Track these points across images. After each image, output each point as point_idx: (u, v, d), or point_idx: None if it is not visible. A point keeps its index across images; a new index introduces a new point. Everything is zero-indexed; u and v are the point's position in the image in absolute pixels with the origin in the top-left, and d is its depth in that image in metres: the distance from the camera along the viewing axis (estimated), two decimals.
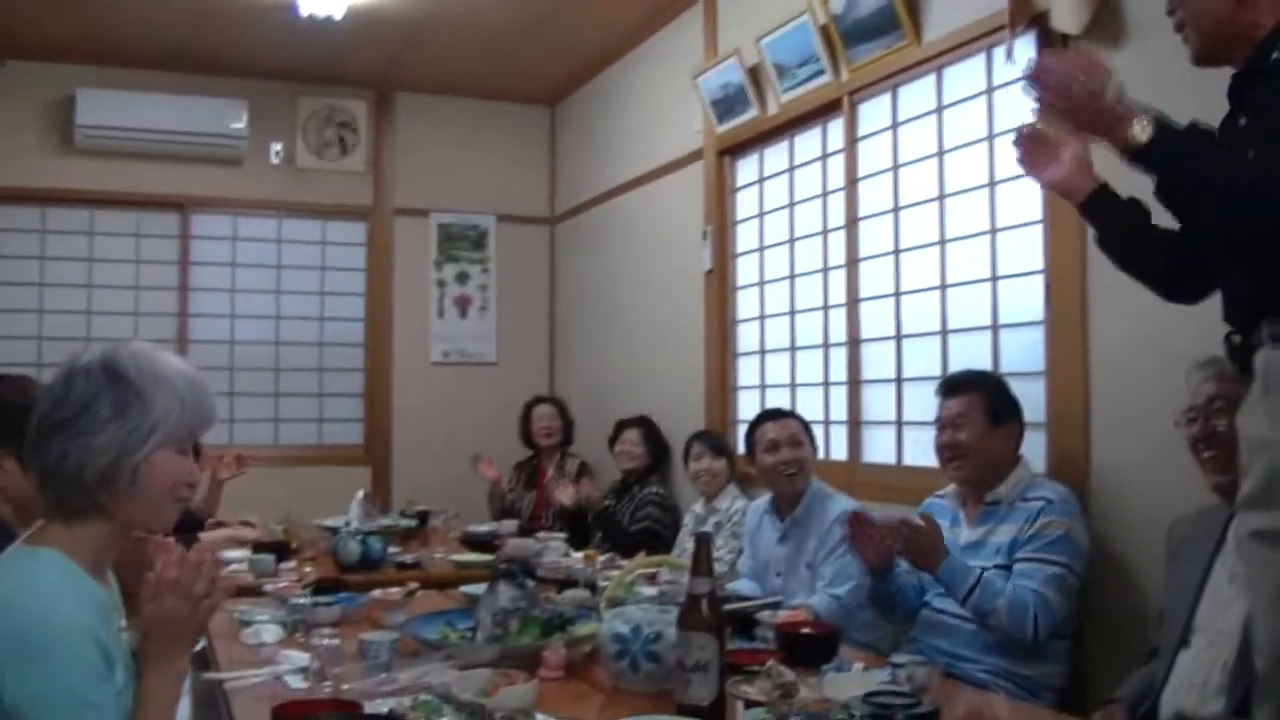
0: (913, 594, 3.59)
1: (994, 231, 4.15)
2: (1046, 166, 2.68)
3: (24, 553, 1.94)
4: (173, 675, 1.96)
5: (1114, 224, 2.60)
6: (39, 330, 7.17)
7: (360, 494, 5.09)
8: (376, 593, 3.72)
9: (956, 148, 4.38)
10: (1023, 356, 3.98)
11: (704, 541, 2.48)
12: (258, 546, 4.71)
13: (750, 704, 2.43)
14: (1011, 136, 2.69)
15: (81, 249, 7.39)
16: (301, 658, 2.91)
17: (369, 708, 2.37)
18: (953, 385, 3.66)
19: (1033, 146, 2.70)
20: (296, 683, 2.76)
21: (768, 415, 4.44)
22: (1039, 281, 3.90)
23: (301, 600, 3.45)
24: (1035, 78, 2.30)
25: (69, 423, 1.91)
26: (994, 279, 4.15)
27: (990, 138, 4.18)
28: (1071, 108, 2.27)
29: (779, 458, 4.21)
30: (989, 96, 4.19)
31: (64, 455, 1.90)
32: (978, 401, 3.55)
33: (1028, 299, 3.97)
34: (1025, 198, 3.96)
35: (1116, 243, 2.62)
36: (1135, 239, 2.57)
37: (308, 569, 4.39)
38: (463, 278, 8.19)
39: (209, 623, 2.08)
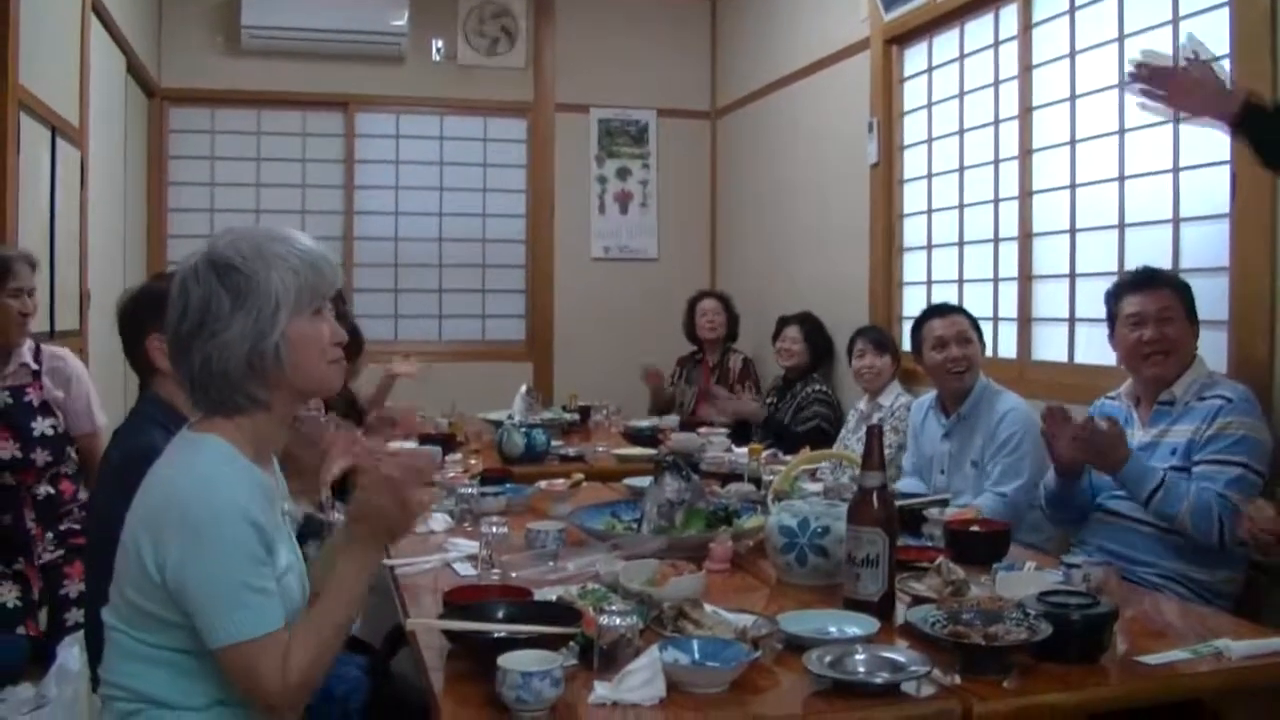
0: (1088, 496, 3.50)
1: (1176, 120, 3.96)
2: (1185, 98, 2.59)
3: (189, 438, 1.98)
4: (366, 564, 2.00)
5: (1271, 137, 2.48)
6: (210, 229, 7.28)
7: (523, 388, 5.15)
8: (542, 484, 3.79)
9: (1137, 32, 4.18)
10: (1205, 251, 3.82)
11: (875, 434, 2.45)
12: (424, 438, 4.81)
13: (918, 600, 2.41)
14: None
15: (249, 148, 7.57)
16: (470, 545, 2.99)
17: (537, 595, 2.41)
18: (1151, 279, 3.46)
19: (1162, 83, 2.60)
20: (465, 569, 2.83)
21: (935, 311, 4.33)
22: (1225, 172, 3.71)
23: (469, 490, 3.52)
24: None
25: (197, 329, 1.92)
26: (1175, 170, 3.98)
27: (1175, 21, 3.97)
28: None
29: (946, 355, 4.12)
30: None
31: (205, 360, 1.92)
32: (1178, 296, 3.40)
33: (1212, 191, 3.79)
34: None
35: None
36: None
37: (473, 460, 4.47)
38: (623, 173, 8.16)
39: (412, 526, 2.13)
